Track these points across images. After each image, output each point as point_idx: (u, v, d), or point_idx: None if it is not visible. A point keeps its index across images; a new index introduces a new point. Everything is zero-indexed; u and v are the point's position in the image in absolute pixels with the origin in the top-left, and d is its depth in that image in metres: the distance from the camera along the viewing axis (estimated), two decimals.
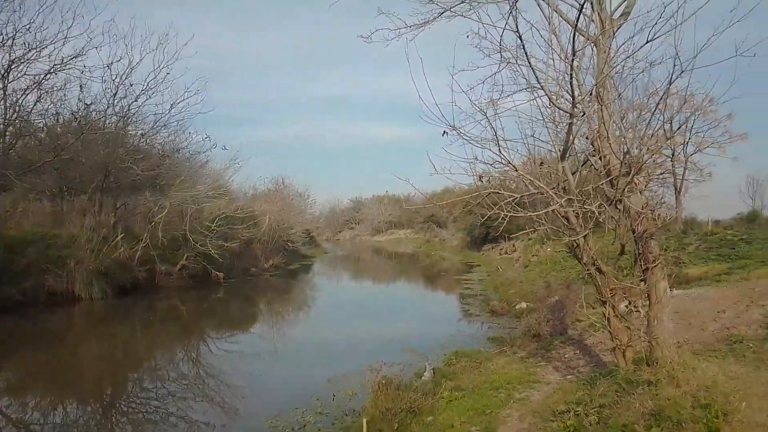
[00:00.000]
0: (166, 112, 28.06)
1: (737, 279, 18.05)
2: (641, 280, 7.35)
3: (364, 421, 8.01)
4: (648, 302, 7.36)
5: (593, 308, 10.86)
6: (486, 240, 51.84)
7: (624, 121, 9.13)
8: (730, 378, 6.26)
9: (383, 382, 10.12)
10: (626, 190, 7.17)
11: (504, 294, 27.72)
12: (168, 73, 27.00)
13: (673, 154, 36.50)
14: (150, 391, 13.18)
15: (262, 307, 29.73)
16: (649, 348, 7.23)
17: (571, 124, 6.60)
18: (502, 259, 44.69)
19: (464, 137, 7.31)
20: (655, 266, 7.24)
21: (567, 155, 7.27)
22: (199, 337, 20.54)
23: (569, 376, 10.51)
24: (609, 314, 7.49)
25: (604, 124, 7.35)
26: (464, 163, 7.59)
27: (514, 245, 46.62)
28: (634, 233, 7.24)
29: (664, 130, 7.60)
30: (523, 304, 21.75)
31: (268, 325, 24.29)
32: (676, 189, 37.40)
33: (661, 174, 38.55)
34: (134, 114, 27.81)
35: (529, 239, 46.48)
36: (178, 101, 27.78)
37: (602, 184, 7.43)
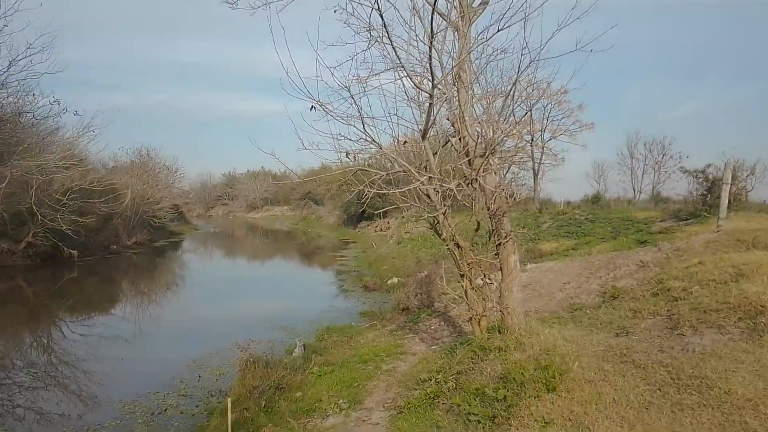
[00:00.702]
0: (4, 69, 24.60)
1: (582, 254, 20.08)
2: (495, 255, 7.84)
3: (229, 400, 7.77)
4: (501, 274, 7.88)
5: (457, 282, 11.50)
6: (362, 217, 52.64)
7: (490, 106, 9.67)
8: (568, 341, 6.92)
9: (251, 360, 9.92)
10: (482, 170, 7.58)
11: (377, 270, 28.33)
12: (5, 26, 23.59)
13: (532, 140, 39.55)
14: None
15: (124, 286, 27.55)
16: (501, 317, 7.77)
17: (431, 104, 6.80)
18: (377, 236, 45.66)
19: (330, 113, 7.25)
20: (507, 241, 7.76)
21: (428, 135, 7.50)
22: (50, 321, 18.59)
23: (434, 347, 11.04)
24: (466, 287, 7.94)
25: (461, 106, 7.68)
26: (332, 139, 7.57)
27: (388, 223, 47.90)
28: (489, 211, 7.68)
29: (514, 117, 7.99)
30: (395, 279, 22.43)
31: (131, 306, 22.61)
32: (534, 172, 40.69)
33: (521, 158, 41.71)
34: None
35: (402, 217, 48.12)
36: (18, 58, 24.41)
37: (461, 164, 7.78)
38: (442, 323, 12.94)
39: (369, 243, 42.99)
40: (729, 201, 21.42)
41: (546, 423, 4.98)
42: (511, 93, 7.56)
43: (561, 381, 5.61)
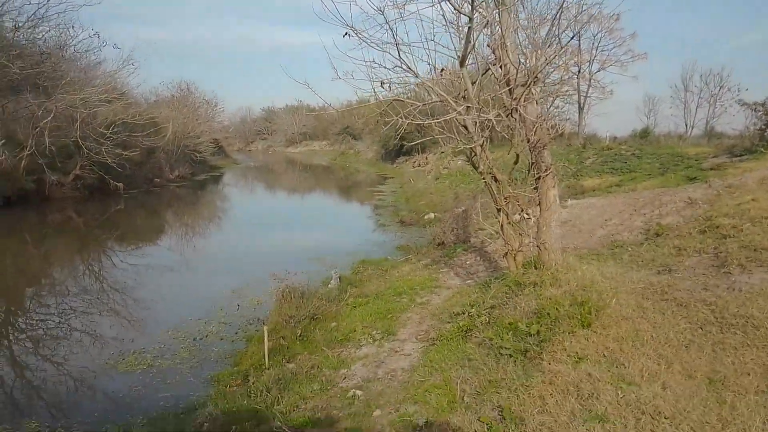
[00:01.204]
0: (44, 1, 24.62)
1: (626, 190, 19.44)
2: (534, 189, 7.59)
3: (265, 329, 8.03)
4: (539, 209, 7.65)
5: (494, 218, 11.33)
6: (400, 152, 52.08)
7: (536, 32, 9.07)
8: (606, 278, 6.74)
9: (287, 290, 10.16)
10: (523, 99, 7.21)
11: (414, 205, 28.28)
12: None
13: (579, 71, 37.68)
14: (50, 308, 12.45)
15: (168, 218, 28.51)
16: (537, 252, 7.60)
17: (470, 28, 6.41)
18: (415, 171, 45.30)
19: (364, 40, 6.95)
20: (547, 175, 7.48)
21: (466, 62, 7.13)
22: (101, 251, 19.52)
23: (468, 281, 11.03)
24: (503, 221, 7.76)
25: (503, 31, 7.23)
26: (366, 68, 7.30)
27: (426, 158, 47.38)
28: (529, 143, 7.36)
29: (560, 44, 7.51)
30: (431, 215, 22.38)
31: (175, 238, 23.47)
32: (579, 106, 38.99)
33: (567, 91, 39.97)
34: (4, 4, 24.21)
35: (441, 152, 47.42)
36: None
37: (501, 93, 7.42)
38: (478, 258, 12.88)
39: (407, 178, 42.82)
40: None
41: (579, 359, 4.90)
42: (557, 17, 7.02)
43: (597, 317, 5.49)
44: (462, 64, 7.10)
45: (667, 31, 80.00)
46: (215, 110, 64.10)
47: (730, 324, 4.99)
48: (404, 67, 7.10)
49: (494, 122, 7.11)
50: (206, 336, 9.59)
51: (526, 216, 7.90)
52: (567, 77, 38.99)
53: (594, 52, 37.43)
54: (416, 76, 7.14)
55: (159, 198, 33.65)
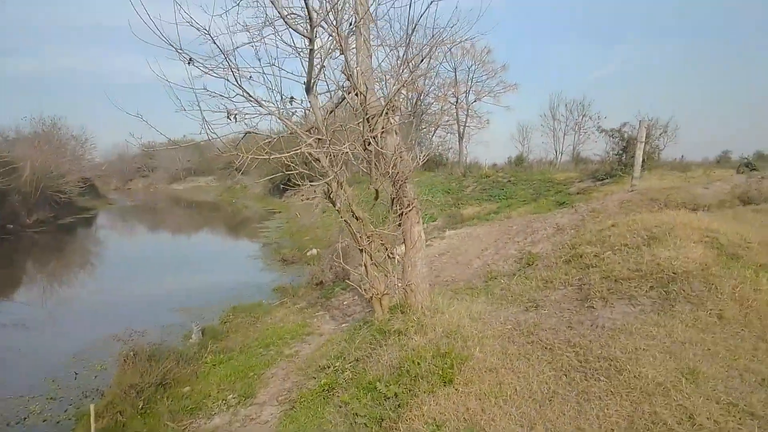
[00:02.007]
0: None
1: (503, 217, 19.88)
2: (398, 225, 7.04)
3: (92, 407, 6.68)
4: (405, 248, 7.11)
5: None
6: (288, 186, 50.90)
7: (411, 64, 8.68)
8: (474, 320, 6.29)
9: (131, 353, 8.76)
10: (380, 130, 6.70)
11: (299, 241, 27.30)
12: None
13: (456, 101, 39.17)
14: None
15: (21, 269, 25.07)
16: (404, 294, 7.02)
17: (311, 50, 5.76)
18: (303, 204, 44.29)
19: (200, 67, 6.08)
20: (410, 210, 6.97)
21: (314, 89, 6.48)
22: None
23: (344, 325, 10.27)
24: (366, 262, 7.11)
25: (358, 57, 6.71)
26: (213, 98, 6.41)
27: (314, 190, 46.69)
28: (389, 176, 6.82)
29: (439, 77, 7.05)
30: (314, 251, 21.49)
31: (24, 290, 20.50)
32: (459, 135, 40.43)
33: (447, 121, 41.35)
34: None
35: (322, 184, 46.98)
36: None
37: (358, 123, 6.85)
38: (356, 298, 12.19)
39: (293, 213, 41.72)
40: (643, 160, 21.83)
41: (438, 426, 4.26)
42: (409, 39, 6.60)
43: (460, 371, 4.92)
44: (308, 91, 6.44)
45: (537, 64, 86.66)
46: (85, 146, 59.17)
47: (594, 369, 4.62)
48: (245, 96, 6.30)
49: (351, 155, 6.49)
50: (25, 418, 7.90)
51: (391, 256, 7.32)
52: (446, 107, 40.51)
53: (470, 83, 39.23)
54: (259, 105, 6.34)
55: (14, 247, 29.67)
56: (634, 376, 4.39)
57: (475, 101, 39.43)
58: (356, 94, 6.96)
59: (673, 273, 5.97)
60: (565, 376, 4.66)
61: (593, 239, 8.13)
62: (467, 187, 28.58)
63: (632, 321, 5.44)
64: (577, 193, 20.51)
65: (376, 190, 6.94)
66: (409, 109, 40.26)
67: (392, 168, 6.83)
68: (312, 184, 7.03)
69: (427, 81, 39.97)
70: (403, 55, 6.75)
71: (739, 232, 7.79)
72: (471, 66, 38.82)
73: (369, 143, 6.65)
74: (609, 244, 7.43)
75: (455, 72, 39.12)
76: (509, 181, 27.22)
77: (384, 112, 6.85)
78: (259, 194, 62.16)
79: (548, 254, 10.86)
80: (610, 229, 8.45)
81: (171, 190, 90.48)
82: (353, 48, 7.24)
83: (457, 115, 39.44)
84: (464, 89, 38.63)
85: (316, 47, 6.10)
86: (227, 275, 19.43)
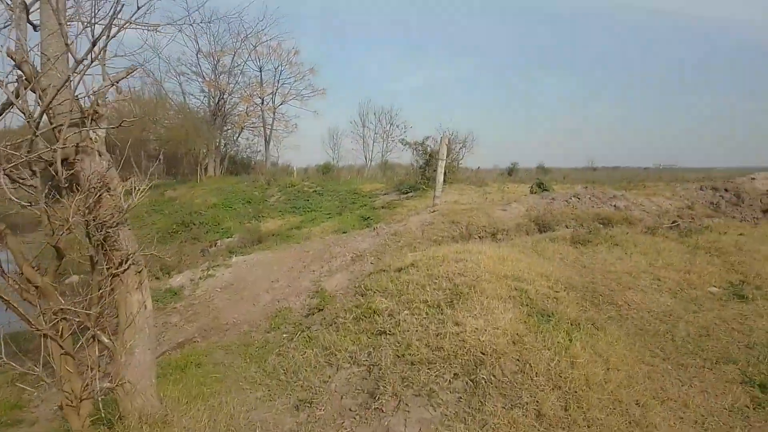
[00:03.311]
0: None
1: (305, 234, 18.11)
2: (106, 294, 4.62)
3: None
4: (118, 327, 4.73)
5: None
6: None
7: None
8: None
9: None
10: (74, 148, 4.27)
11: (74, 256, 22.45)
12: None
13: (262, 102, 36.70)
14: None
15: None
16: (115, 396, 4.64)
17: None
18: None
19: None
20: (125, 271, 4.62)
21: None
22: None
23: None
24: (52, 352, 4.55)
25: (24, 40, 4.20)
26: None
27: None
28: (87, 220, 4.39)
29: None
30: (75, 278, 17.39)
31: None
32: (265, 139, 38.04)
33: (252, 122, 38.63)
34: None
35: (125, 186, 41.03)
36: None
37: (32, 137, 4.29)
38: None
39: None
40: (445, 174, 21.84)
41: None
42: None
43: None
44: None
45: (353, 71, 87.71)
46: None
47: None
48: None
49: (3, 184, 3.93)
50: None
51: (91, 340, 4.88)
52: (252, 108, 37.70)
53: (276, 84, 37.04)
54: None
55: None
56: None
57: (282, 104, 37.38)
58: (32, 90, 4.42)
59: (482, 353, 4.56)
60: None
61: (389, 286, 6.59)
62: (271, 197, 26.38)
63: None
64: (382, 207, 19.62)
65: (56, 247, 4.39)
66: (210, 107, 36.72)
67: (94, 206, 4.43)
68: None
69: (231, 79, 36.84)
70: (105, 31, 4.34)
71: (545, 274, 6.88)
72: (278, 66, 36.73)
73: (54, 167, 4.17)
74: (407, 298, 5.90)
75: (260, 72, 36.67)
76: (315, 191, 25.68)
77: (82, 120, 4.44)
78: None
79: (343, 292, 9.27)
80: (409, 270, 7.02)
81: None
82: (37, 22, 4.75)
83: (263, 117, 36.98)
84: (270, 90, 36.34)
85: None
86: None
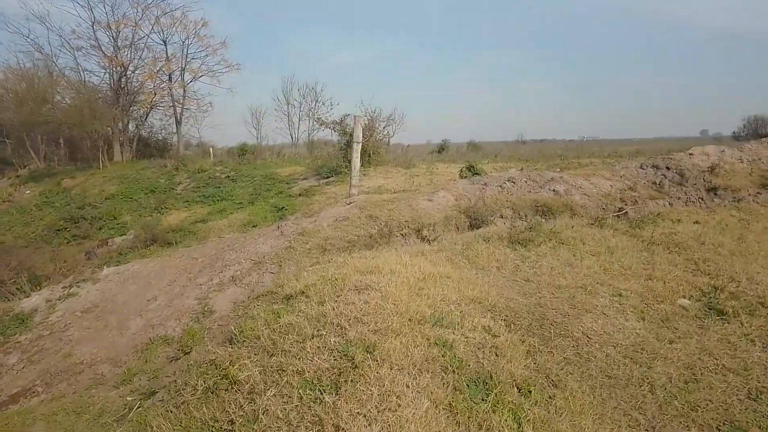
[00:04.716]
0: None
1: (213, 227, 15.87)
2: None
3: None
4: None
5: None
6: None
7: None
8: None
9: None
10: None
11: None
12: None
13: (170, 79, 33.22)
14: None
15: None
16: None
17: None
18: None
19: None
20: None
21: None
22: None
23: None
24: None
25: None
26: None
27: None
28: None
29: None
30: None
31: None
32: (176, 119, 34.62)
33: (161, 99, 35.11)
34: None
35: (18, 176, 36.60)
36: None
37: None
38: None
39: None
40: (369, 154, 19.91)
41: None
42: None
43: None
44: None
45: (276, 48, 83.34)
46: None
47: None
48: None
49: None
50: None
51: None
52: (159, 85, 34.11)
53: (185, 60, 33.58)
54: None
55: None
56: None
57: (192, 80, 33.98)
58: None
59: None
60: None
61: (263, 333, 4.62)
62: (179, 185, 23.61)
63: None
64: (300, 195, 17.53)
65: None
66: (111, 85, 32.88)
67: None
68: None
69: (134, 53, 33.03)
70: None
71: (479, 299, 5.14)
72: (185, 40, 33.24)
73: None
74: (278, 364, 3.95)
75: (165, 45, 33.07)
76: (228, 176, 23.16)
77: None
78: None
79: (227, 317, 7.30)
80: (297, 303, 5.11)
81: None
82: None
83: (171, 95, 33.48)
84: (177, 66, 32.85)
85: None
86: None
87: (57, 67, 32.30)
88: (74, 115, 28.93)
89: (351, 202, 11.02)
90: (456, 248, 7.48)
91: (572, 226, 8.46)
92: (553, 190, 11.14)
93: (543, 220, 8.82)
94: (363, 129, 19.27)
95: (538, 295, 5.80)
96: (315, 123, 39.41)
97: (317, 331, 4.26)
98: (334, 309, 4.46)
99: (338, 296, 4.94)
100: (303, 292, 5.42)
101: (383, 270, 5.59)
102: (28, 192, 30.25)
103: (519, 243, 7.59)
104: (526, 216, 10.27)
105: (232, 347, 4.79)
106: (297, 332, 4.32)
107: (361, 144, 11.54)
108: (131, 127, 35.96)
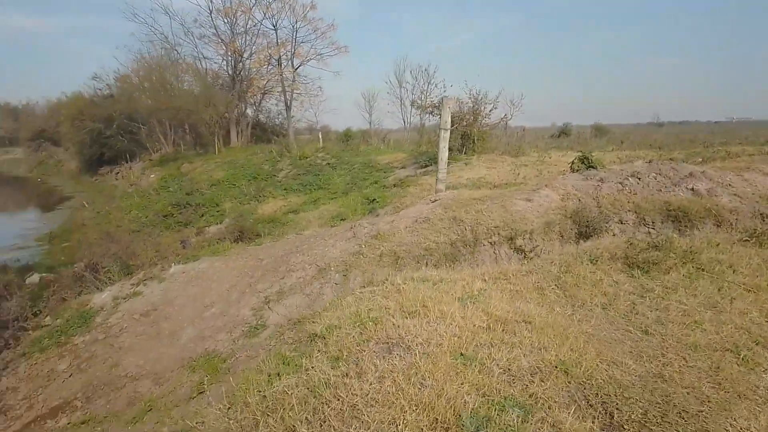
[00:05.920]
0: None
1: (305, 218, 15.19)
2: None
3: None
4: None
5: None
6: (102, 161, 41.75)
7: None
8: None
9: None
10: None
11: (57, 248, 20.35)
12: None
13: (279, 64, 33.39)
14: None
15: None
16: None
17: None
18: (119, 184, 36.38)
19: None
20: None
21: None
22: None
23: None
24: None
25: None
26: None
27: (130, 167, 38.92)
28: None
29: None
30: (36, 276, 15.07)
31: None
32: (286, 104, 34.86)
33: (270, 85, 35.53)
34: None
35: (150, 160, 39.16)
36: None
37: None
38: None
39: (88, 199, 33.68)
40: (473, 141, 18.08)
41: None
42: None
43: None
44: None
45: (390, 30, 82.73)
46: None
47: None
48: None
49: None
50: None
51: None
52: (269, 70, 34.53)
53: (294, 44, 33.57)
54: None
55: None
56: None
57: (301, 65, 33.90)
58: None
59: None
60: None
61: (254, 401, 3.37)
62: (281, 171, 23.41)
63: None
64: (394, 185, 16.22)
65: None
66: (228, 72, 33.80)
67: None
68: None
69: (249, 39, 33.65)
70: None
71: (563, 375, 3.48)
72: (294, 24, 33.15)
73: None
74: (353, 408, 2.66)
75: (275, 30, 33.19)
76: (329, 164, 22.49)
77: None
78: (74, 170, 51.29)
79: (272, 334, 6.24)
80: (312, 351, 3.82)
81: None
82: None
83: (281, 79, 33.68)
84: (288, 50, 32.88)
85: None
86: None
87: (180, 56, 33.85)
88: (190, 101, 30.03)
89: (435, 200, 9.48)
90: (551, 270, 5.69)
91: (717, 244, 6.23)
92: (692, 189, 8.73)
93: (675, 234, 6.67)
94: (466, 113, 17.51)
95: (662, 360, 3.92)
96: (413, 107, 37.85)
97: (306, 417, 2.90)
98: (341, 379, 3.06)
99: (359, 353, 3.55)
100: (323, 336, 4.08)
101: (431, 311, 4.08)
102: (152, 176, 32.14)
103: (639, 267, 5.62)
104: (653, 223, 8.09)
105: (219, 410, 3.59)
106: (283, 413, 2.99)
107: (449, 131, 9.89)
108: (249, 112, 36.93)
